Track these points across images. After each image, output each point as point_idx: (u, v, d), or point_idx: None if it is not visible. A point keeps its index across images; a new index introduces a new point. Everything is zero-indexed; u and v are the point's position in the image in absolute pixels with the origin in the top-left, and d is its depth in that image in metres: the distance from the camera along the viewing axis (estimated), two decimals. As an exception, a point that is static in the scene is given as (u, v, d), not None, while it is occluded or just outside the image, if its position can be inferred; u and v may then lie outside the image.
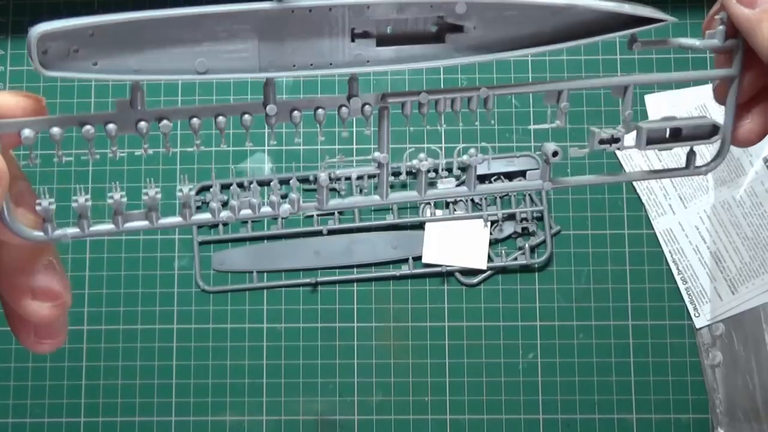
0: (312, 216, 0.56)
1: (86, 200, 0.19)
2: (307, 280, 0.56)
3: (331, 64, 0.19)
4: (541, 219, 0.56)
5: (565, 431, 0.54)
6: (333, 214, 0.56)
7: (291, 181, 0.23)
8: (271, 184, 0.22)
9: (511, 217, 0.56)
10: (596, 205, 0.56)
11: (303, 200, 0.22)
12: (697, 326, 0.55)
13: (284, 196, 0.58)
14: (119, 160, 0.56)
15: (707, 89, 0.55)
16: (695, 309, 0.55)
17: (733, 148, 0.25)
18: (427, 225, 0.56)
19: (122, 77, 0.17)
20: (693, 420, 0.54)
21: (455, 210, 0.56)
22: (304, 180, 0.57)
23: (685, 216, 0.55)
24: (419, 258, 0.56)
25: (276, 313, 0.56)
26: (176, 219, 0.21)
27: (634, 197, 0.56)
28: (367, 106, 0.21)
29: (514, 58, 0.20)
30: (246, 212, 0.22)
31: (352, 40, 0.18)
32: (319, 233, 0.56)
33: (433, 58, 0.20)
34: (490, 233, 0.56)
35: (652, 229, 0.56)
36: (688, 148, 0.24)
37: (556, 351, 0.55)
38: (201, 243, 0.56)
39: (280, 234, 0.56)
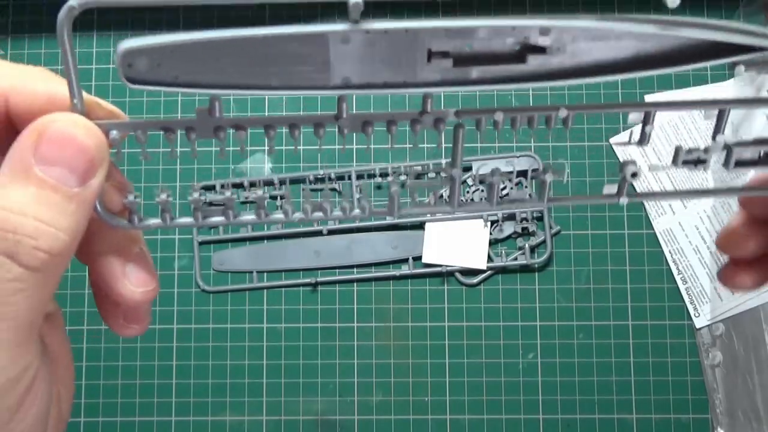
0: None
1: (168, 196, 0.20)
2: (307, 280, 0.56)
3: (405, 82, 0.18)
4: (541, 219, 0.56)
5: (565, 431, 0.54)
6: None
7: (356, 183, 0.22)
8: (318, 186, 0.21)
9: (511, 217, 0.56)
10: (596, 205, 0.56)
11: (373, 206, 0.22)
12: (697, 326, 0.55)
13: (284, 196, 0.58)
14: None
15: (707, 90, 0.55)
16: (695, 309, 0.55)
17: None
18: (427, 225, 0.56)
19: (201, 91, 0.18)
20: (693, 420, 0.54)
21: (455, 210, 0.56)
22: (304, 180, 0.57)
23: (685, 216, 0.55)
24: (419, 258, 0.56)
25: (276, 313, 0.56)
26: (251, 217, 0.22)
27: (636, 203, 0.56)
28: (441, 123, 0.20)
29: (600, 82, 0.19)
30: (317, 214, 0.22)
31: (428, 60, 0.18)
32: (319, 233, 0.56)
33: (513, 81, 0.19)
34: (490, 233, 0.56)
35: (652, 229, 0.56)
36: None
37: (556, 351, 0.55)
38: (201, 243, 0.56)
39: (280, 234, 0.57)
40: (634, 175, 0.21)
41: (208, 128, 0.19)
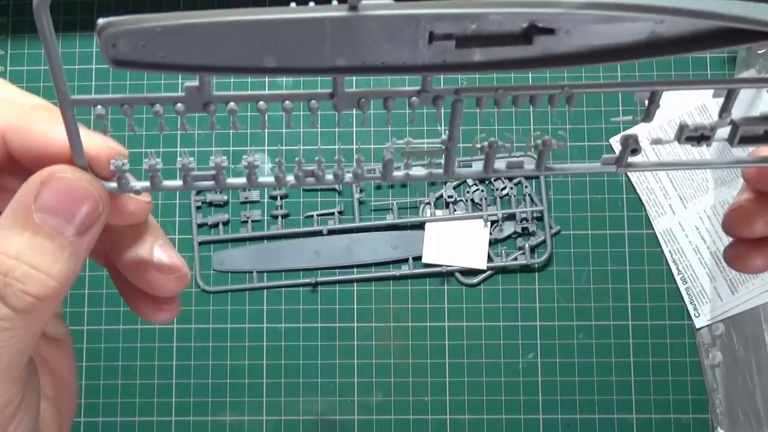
0: (312, 216, 0.56)
1: (156, 162, 0.20)
2: (307, 280, 0.56)
3: (404, 64, 0.17)
4: (541, 219, 0.56)
5: (565, 431, 0.54)
6: (333, 213, 0.56)
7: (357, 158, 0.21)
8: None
9: (511, 217, 0.56)
10: (596, 205, 0.56)
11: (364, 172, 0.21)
12: (697, 326, 0.55)
13: (284, 196, 0.58)
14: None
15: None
16: (695, 309, 0.55)
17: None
18: (427, 225, 0.56)
19: (189, 73, 0.17)
20: (693, 420, 0.54)
21: (455, 210, 0.56)
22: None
23: (685, 216, 0.55)
24: (419, 258, 0.56)
25: (276, 313, 0.56)
26: (241, 180, 0.21)
27: (634, 197, 0.56)
28: (439, 100, 0.19)
29: (608, 65, 0.18)
30: (310, 179, 0.21)
31: (430, 42, 0.17)
32: (319, 233, 0.56)
33: (518, 65, 0.18)
34: (490, 233, 0.56)
35: (652, 229, 0.56)
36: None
37: (556, 351, 0.55)
38: (201, 243, 0.56)
39: (280, 234, 0.57)
40: (635, 151, 0.21)
41: (197, 104, 0.19)
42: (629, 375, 0.55)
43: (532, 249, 0.56)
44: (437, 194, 0.56)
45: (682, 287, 0.55)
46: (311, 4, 0.16)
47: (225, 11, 0.16)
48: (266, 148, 0.57)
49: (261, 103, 0.19)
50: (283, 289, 0.56)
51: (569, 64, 0.18)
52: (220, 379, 0.55)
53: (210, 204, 0.57)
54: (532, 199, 0.56)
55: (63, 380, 0.24)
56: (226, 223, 0.57)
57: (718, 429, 0.53)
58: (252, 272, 0.56)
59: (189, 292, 0.56)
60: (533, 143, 0.21)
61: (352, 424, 0.55)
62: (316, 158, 0.21)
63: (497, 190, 0.56)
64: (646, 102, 0.20)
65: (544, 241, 0.56)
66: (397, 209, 0.56)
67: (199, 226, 0.57)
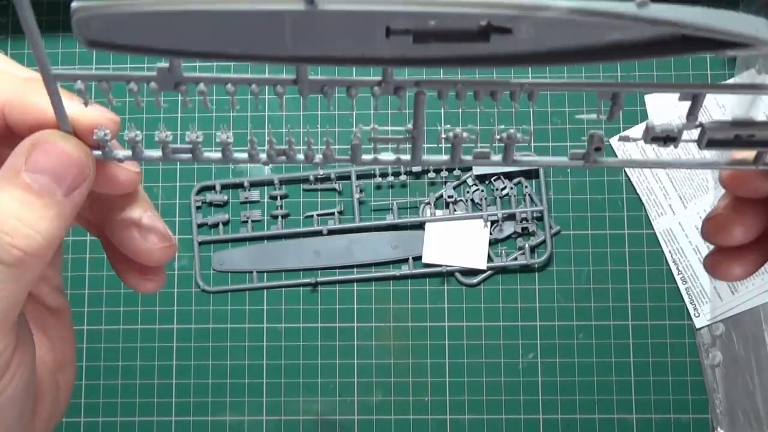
0: (312, 216, 0.56)
1: (136, 134, 0.21)
2: (307, 280, 0.56)
3: (363, 56, 0.18)
4: (541, 219, 0.56)
5: (565, 431, 0.54)
6: (333, 213, 0.56)
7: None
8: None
9: (511, 217, 0.56)
10: (596, 205, 0.56)
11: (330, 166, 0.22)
12: (697, 326, 0.55)
13: (284, 196, 0.58)
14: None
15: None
16: (695, 309, 0.55)
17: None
18: (427, 225, 0.56)
19: (159, 56, 0.18)
20: (693, 420, 0.54)
21: (455, 210, 0.56)
22: (304, 180, 0.57)
23: (685, 216, 0.55)
24: (419, 258, 0.56)
25: (276, 313, 0.56)
26: (217, 155, 0.22)
27: (634, 197, 0.56)
28: (400, 90, 0.20)
29: (566, 67, 0.18)
30: (281, 158, 0.22)
31: (387, 36, 0.17)
32: (319, 233, 0.56)
33: (473, 63, 0.18)
34: (490, 233, 0.56)
35: (652, 229, 0.56)
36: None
37: (556, 351, 0.55)
38: (201, 243, 0.57)
39: (280, 234, 0.57)
40: (598, 149, 0.21)
41: (169, 84, 0.20)
42: (629, 375, 0.55)
43: (532, 249, 0.56)
44: (437, 194, 0.56)
45: (682, 287, 0.55)
46: None
47: (193, 1, 0.17)
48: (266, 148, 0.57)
49: (229, 85, 0.20)
50: (283, 289, 0.56)
51: (525, 63, 0.18)
52: (220, 379, 0.55)
53: (210, 204, 0.57)
54: (532, 199, 0.56)
55: (62, 350, 0.25)
56: (226, 223, 0.57)
57: (718, 429, 0.53)
58: (252, 272, 0.56)
59: (189, 292, 0.56)
60: (497, 136, 0.21)
61: (352, 424, 0.55)
62: (286, 139, 0.22)
63: (497, 190, 0.56)
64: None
65: (544, 241, 0.56)
66: (397, 209, 0.56)
67: (199, 226, 0.57)
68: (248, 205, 0.57)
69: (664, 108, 0.56)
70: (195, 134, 0.21)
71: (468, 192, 0.56)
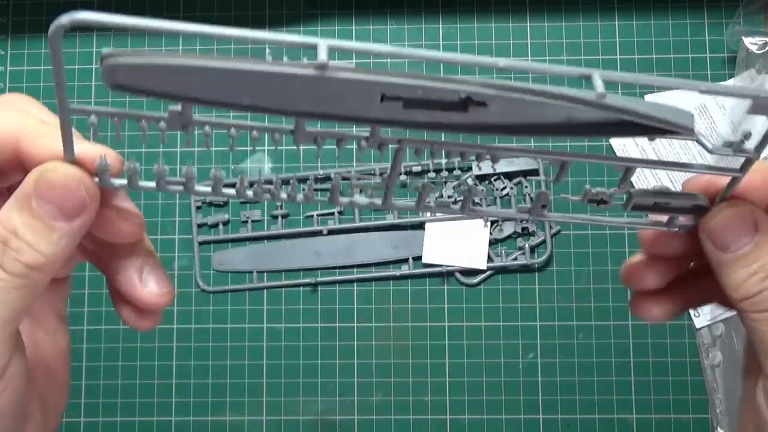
0: (312, 216, 0.56)
1: (133, 164, 0.23)
2: (307, 280, 0.56)
3: (358, 115, 0.21)
4: (541, 219, 0.56)
5: (565, 431, 0.54)
6: (333, 213, 0.56)
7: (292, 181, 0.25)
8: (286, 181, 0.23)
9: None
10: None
11: (315, 196, 0.25)
12: (697, 326, 0.55)
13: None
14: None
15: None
16: (695, 309, 0.55)
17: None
18: (427, 225, 0.56)
19: (175, 101, 0.21)
20: (693, 420, 0.54)
21: (455, 210, 0.56)
22: (303, 180, 0.57)
23: (685, 216, 0.55)
24: (419, 258, 0.56)
25: (276, 313, 0.56)
26: (206, 189, 0.24)
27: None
28: (383, 146, 0.23)
29: (529, 138, 0.22)
30: (266, 196, 0.24)
31: (381, 101, 0.20)
32: (319, 233, 0.56)
33: (456, 127, 0.22)
34: (490, 233, 0.56)
35: (652, 229, 0.56)
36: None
37: (556, 351, 0.55)
38: (201, 243, 0.56)
39: (280, 234, 0.57)
40: (544, 206, 0.25)
41: (178, 124, 0.22)
42: (629, 375, 0.55)
43: (532, 249, 0.56)
44: (437, 194, 0.56)
45: (682, 287, 0.55)
46: (285, 59, 0.19)
47: (212, 57, 0.19)
48: (266, 148, 0.57)
49: (232, 130, 0.22)
50: (283, 289, 0.56)
51: (495, 132, 0.22)
52: (220, 379, 0.55)
53: (210, 204, 0.57)
54: (532, 199, 0.56)
55: (55, 371, 0.27)
56: (226, 223, 0.57)
57: (718, 429, 0.53)
58: (252, 272, 0.56)
59: (189, 292, 0.56)
60: (462, 188, 0.25)
61: (352, 424, 0.55)
62: (274, 179, 0.24)
63: (497, 190, 0.56)
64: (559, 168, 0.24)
65: (544, 241, 0.56)
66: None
67: (199, 226, 0.57)
68: (248, 205, 0.57)
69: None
70: (190, 169, 0.24)
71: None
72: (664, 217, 0.26)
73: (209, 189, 0.24)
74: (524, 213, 0.25)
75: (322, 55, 0.19)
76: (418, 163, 0.56)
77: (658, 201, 0.25)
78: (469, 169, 0.56)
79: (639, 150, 0.55)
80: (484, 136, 0.22)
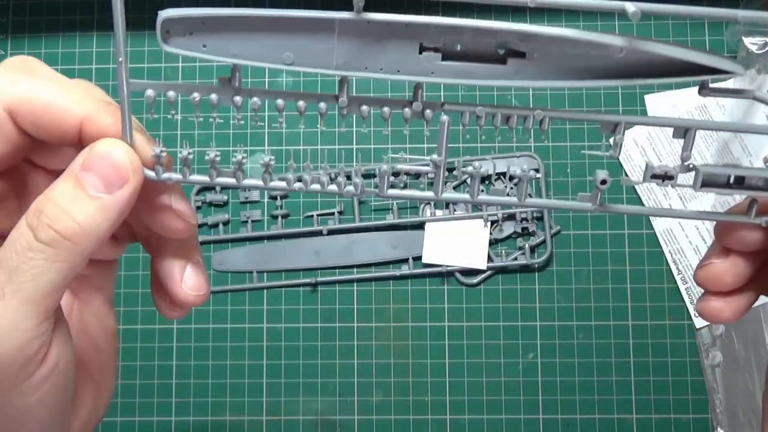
0: (312, 216, 0.56)
1: (189, 153, 0.23)
2: (307, 280, 0.56)
3: (398, 71, 0.21)
4: (541, 219, 0.56)
5: (565, 431, 0.54)
6: (333, 213, 0.56)
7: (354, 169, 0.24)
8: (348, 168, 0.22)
9: (511, 217, 0.56)
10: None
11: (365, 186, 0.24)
12: (697, 326, 0.55)
13: (284, 196, 0.58)
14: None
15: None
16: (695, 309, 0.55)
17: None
18: (427, 225, 0.56)
19: (223, 59, 0.21)
20: (693, 420, 0.54)
21: (455, 210, 0.56)
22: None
23: (685, 216, 0.55)
24: (419, 258, 0.56)
25: (276, 313, 0.56)
26: (257, 182, 0.25)
27: (634, 197, 0.56)
28: (428, 111, 0.23)
29: (570, 87, 0.21)
30: (315, 186, 0.24)
31: (420, 53, 0.20)
32: (319, 233, 0.56)
33: (493, 78, 0.21)
34: (490, 233, 0.56)
35: (652, 229, 0.56)
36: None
37: (556, 351, 0.55)
38: (201, 243, 0.56)
39: (280, 234, 0.57)
40: (604, 182, 0.23)
41: (228, 95, 0.22)
42: (629, 375, 0.55)
43: (532, 249, 0.56)
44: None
45: (682, 287, 0.55)
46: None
47: (256, 9, 0.20)
48: (266, 148, 0.57)
49: (279, 100, 0.23)
50: (283, 289, 0.56)
51: (538, 78, 0.21)
52: (220, 379, 0.55)
53: (210, 204, 0.57)
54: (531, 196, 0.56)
55: (103, 362, 0.28)
56: (226, 223, 0.57)
57: (718, 429, 0.53)
58: (252, 272, 0.56)
59: (189, 292, 0.56)
60: (517, 174, 0.24)
61: (352, 424, 0.55)
62: (321, 168, 0.24)
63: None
64: (612, 137, 0.23)
65: (544, 241, 0.56)
66: (397, 209, 0.56)
67: (199, 226, 0.57)
68: (248, 205, 0.57)
69: (664, 107, 0.56)
70: (242, 156, 0.24)
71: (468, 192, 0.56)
72: (743, 207, 0.23)
73: (259, 182, 0.24)
74: (586, 203, 0.24)
75: (360, 3, 0.19)
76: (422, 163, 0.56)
77: (732, 176, 0.22)
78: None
79: (639, 150, 0.55)
80: (525, 87, 0.22)
